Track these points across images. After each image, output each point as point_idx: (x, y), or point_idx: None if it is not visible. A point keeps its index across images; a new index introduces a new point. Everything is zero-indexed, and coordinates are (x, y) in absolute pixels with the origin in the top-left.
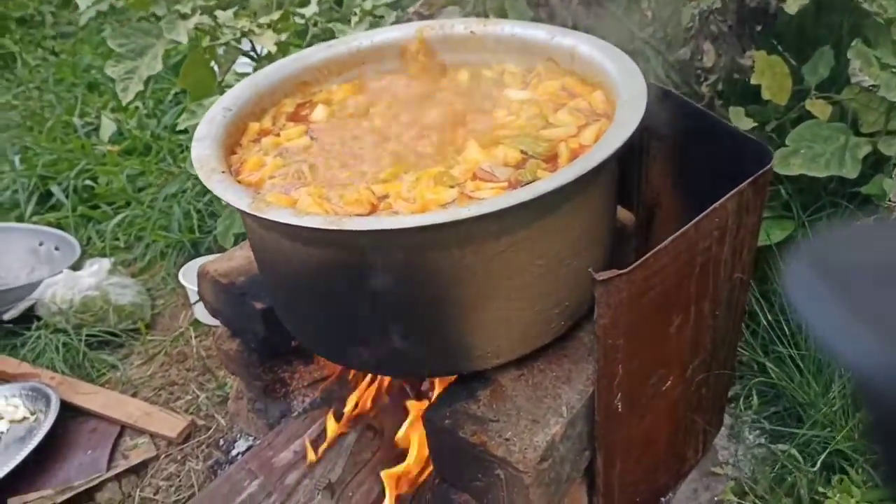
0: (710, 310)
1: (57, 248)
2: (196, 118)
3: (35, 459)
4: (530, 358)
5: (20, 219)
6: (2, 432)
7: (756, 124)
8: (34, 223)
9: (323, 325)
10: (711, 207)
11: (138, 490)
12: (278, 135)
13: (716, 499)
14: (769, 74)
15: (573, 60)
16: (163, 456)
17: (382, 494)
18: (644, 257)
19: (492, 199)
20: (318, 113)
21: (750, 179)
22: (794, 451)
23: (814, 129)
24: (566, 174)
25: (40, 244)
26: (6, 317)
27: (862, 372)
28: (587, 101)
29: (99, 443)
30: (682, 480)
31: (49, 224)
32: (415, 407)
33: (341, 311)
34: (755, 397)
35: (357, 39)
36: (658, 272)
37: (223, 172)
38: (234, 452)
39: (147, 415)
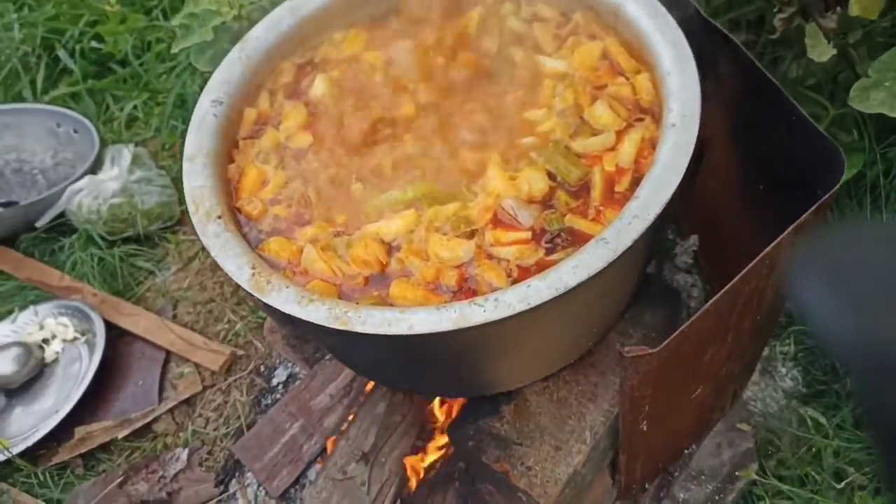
0: (749, 325)
1: (75, 131)
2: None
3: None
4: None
5: (33, 90)
6: (58, 352)
7: (836, 51)
8: (47, 103)
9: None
10: (760, 255)
11: (190, 422)
12: (277, 126)
13: (737, 474)
14: None
15: (617, 19)
16: (208, 387)
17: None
18: (678, 331)
19: (508, 297)
20: (318, 87)
21: (812, 208)
22: (819, 417)
23: None
24: (593, 263)
25: (58, 125)
26: (38, 224)
27: (846, 355)
28: (631, 83)
29: (148, 371)
30: (706, 434)
31: (63, 99)
32: None
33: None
34: (792, 342)
35: None
36: (693, 334)
37: (219, 218)
38: (274, 381)
39: (190, 345)
